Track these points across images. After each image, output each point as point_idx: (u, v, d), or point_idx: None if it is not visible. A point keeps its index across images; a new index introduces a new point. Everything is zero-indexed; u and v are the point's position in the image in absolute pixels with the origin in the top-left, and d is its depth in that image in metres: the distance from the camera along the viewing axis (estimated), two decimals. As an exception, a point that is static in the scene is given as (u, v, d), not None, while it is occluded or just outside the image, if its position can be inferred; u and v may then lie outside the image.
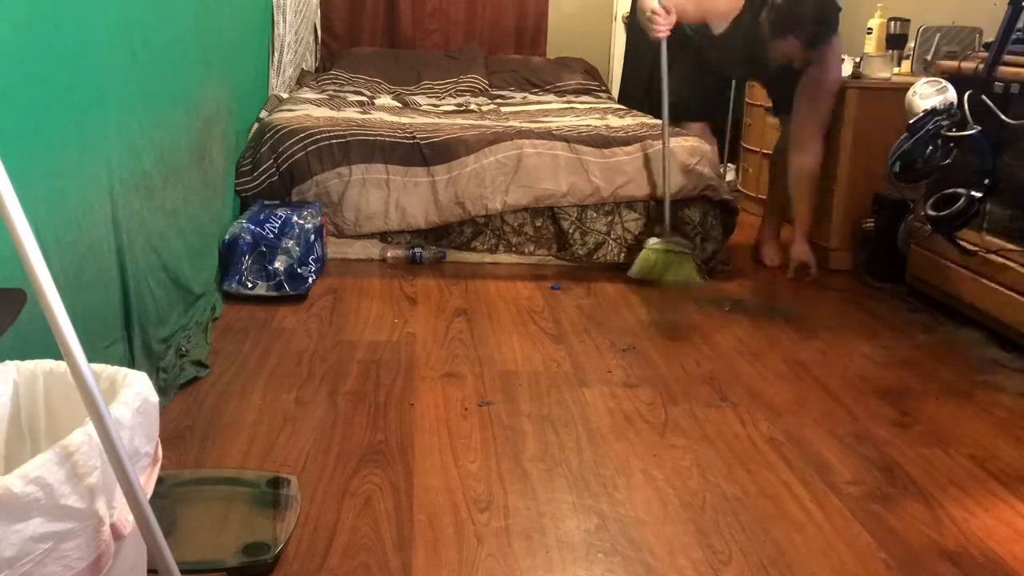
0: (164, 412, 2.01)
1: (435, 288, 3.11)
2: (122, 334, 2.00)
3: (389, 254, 3.40)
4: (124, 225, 1.99)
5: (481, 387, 2.30)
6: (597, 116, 4.05)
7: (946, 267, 2.93)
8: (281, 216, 3.03)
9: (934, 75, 2.78)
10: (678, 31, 3.29)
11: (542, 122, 3.80)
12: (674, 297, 3.14)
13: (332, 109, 3.81)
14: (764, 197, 3.96)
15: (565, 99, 4.77)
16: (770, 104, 3.91)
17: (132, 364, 2.02)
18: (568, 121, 3.84)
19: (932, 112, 2.32)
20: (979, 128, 2.29)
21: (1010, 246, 2.65)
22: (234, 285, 2.87)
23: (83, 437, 1.00)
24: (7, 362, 1.24)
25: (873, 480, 1.92)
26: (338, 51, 5.25)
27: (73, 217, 1.74)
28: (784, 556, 1.63)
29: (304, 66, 4.88)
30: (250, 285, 2.88)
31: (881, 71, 3.53)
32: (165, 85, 2.34)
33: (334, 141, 3.33)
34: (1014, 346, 2.68)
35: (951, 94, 2.34)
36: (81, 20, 1.77)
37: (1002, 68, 2.48)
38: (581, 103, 4.60)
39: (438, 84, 4.84)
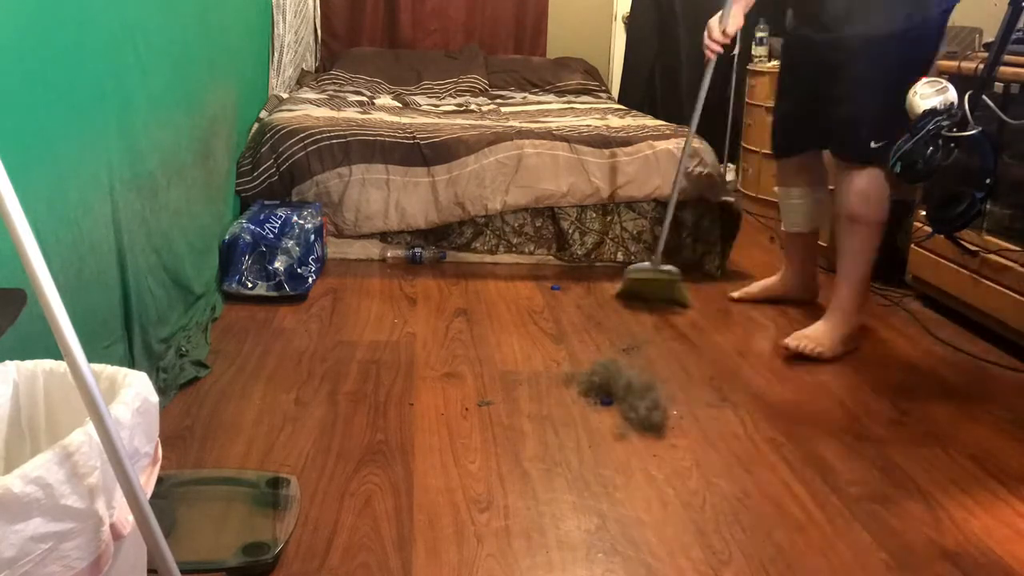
0: (164, 412, 2.00)
1: (435, 288, 3.11)
2: (122, 334, 2.00)
3: (389, 254, 3.40)
4: (125, 225, 1.99)
5: (481, 387, 2.30)
6: (597, 116, 4.05)
7: (946, 267, 2.93)
8: (281, 216, 3.03)
9: (934, 75, 2.77)
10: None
11: (542, 122, 3.80)
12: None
13: (332, 109, 3.81)
14: (763, 197, 3.90)
15: (565, 99, 4.77)
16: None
17: (132, 364, 2.02)
18: (568, 121, 3.84)
19: (932, 112, 2.31)
20: (980, 128, 2.28)
21: (1010, 246, 2.65)
22: (234, 285, 2.87)
23: (83, 437, 1.00)
24: (7, 362, 1.24)
25: (873, 480, 1.92)
26: (338, 51, 5.25)
27: (73, 217, 1.74)
28: (784, 556, 1.63)
29: (304, 66, 4.88)
30: (250, 285, 2.88)
31: (881, 71, 3.51)
32: (169, 85, 2.34)
33: (334, 141, 3.33)
34: (1014, 346, 2.68)
35: (951, 94, 2.33)
36: (82, 20, 1.77)
37: (1002, 68, 2.48)
38: (581, 103, 4.60)
39: (438, 84, 4.84)
